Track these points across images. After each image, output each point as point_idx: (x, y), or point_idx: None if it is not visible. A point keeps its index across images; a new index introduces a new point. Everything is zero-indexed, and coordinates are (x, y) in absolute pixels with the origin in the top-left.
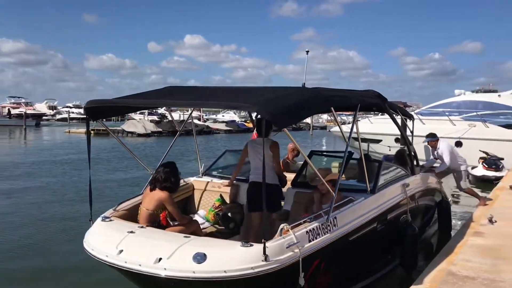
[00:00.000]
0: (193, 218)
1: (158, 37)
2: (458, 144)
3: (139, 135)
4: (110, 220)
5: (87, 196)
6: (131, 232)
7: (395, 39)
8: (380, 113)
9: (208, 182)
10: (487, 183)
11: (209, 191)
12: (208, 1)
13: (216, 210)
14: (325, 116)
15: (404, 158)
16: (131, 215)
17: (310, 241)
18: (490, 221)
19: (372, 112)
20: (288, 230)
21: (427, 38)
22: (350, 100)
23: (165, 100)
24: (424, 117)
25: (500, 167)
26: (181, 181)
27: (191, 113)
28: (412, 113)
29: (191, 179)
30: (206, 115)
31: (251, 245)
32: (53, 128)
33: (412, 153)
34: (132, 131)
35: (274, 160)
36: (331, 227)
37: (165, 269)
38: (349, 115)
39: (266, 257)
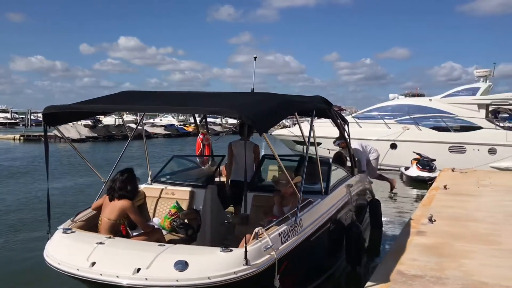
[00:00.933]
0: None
1: (91, 39)
2: (393, 146)
3: (73, 140)
4: (72, 232)
5: (28, 207)
6: (100, 243)
7: (329, 44)
8: (318, 118)
9: (162, 189)
10: (421, 183)
11: (163, 198)
12: (143, 2)
13: (173, 217)
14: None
15: (342, 159)
16: (90, 226)
17: (282, 243)
18: (430, 220)
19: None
20: (263, 233)
21: (359, 43)
22: (308, 105)
23: (137, 105)
24: (361, 121)
25: (433, 168)
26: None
27: (141, 118)
28: (349, 116)
29: (141, 187)
30: (145, 119)
31: (231, 250)
32: None
33: (352, 155)
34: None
35: (255, 161)
36: (298, 229)
37: (146, 279)
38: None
39: (247, 261)
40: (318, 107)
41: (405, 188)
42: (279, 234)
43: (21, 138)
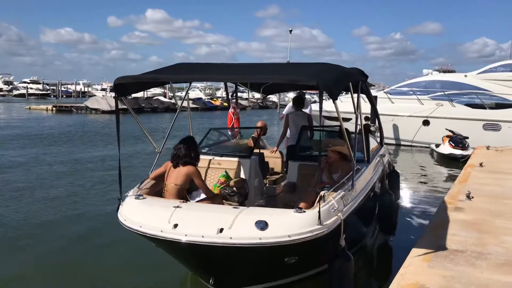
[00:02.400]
0: (201, 194)
1: (118, 11)
2: (426, 123)
3: (104, 112)
4: (144, 198)
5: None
6: (178, 207)
7: (359, 18)
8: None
9: (210, 159)
10: (453, 161)
11: (211, 168)
12: None
13: (222, 186)
14: (290, 94)
15: (370, 131)
16: (155, 193)
17: (344, 206)
18: (468, 197)
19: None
20: (329, 196)
21: (390, 17)
22: (356, 77)
23: (214, 75)
24: (393, 96)
25: (466, 145)
26: None
27: (187, 90)
28: (381, 92)
29: None
30: (170, 92)
31: (304, 211)
32: (11, 104)
33: (374, 129)
34: (96, 108)
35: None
36: (354, 193)
37: (230, 238)
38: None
39: (320, 221)
40: (362, 79)
41: (436, 165)
42: (341, 197)
43: (54, 108)
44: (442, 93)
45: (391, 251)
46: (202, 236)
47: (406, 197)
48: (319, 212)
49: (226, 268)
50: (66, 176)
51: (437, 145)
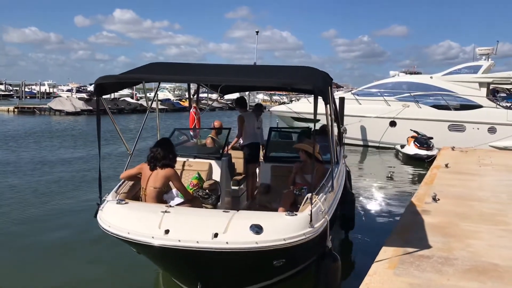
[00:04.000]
0: (174, 197)
1: (86, 11)
2: (393, 124)
3: (68, 113)
4: (126, 203)
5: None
6: (166, 211)
7: (327, 20)
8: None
9: (184, 161)
10: (419, 162)
11: (184, 170)
12: None
13: (195, 188)
14: (260, 96)
15: (327, 132)
16: (133, 196)
17: (328, 207)
18: (434, 199)
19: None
20: (315, 199)
21: (357, 20)
22: (329, 80)
23: (204, 76)
24: (360, 98)
25: (431, 146)
26: None
27: (156, 91)
28: (349, 93)
29: None
30: (139, 93)
31: (296, 215)
32: None
33: (342, 130)
34: (60, 109)
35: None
36: (333, 195)
37: (227, 243)
38: (284, 94)
39: (311, 224)
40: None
41: (402, 166)
42: (325, 199)
43: (15, 110)
44: (409, 94)
45: (357, 256)
46: (197, 242)
47: (373, 199)
48: (310, 215)
49: (216, 273)
50: (34, 180)
51: (402, 146)
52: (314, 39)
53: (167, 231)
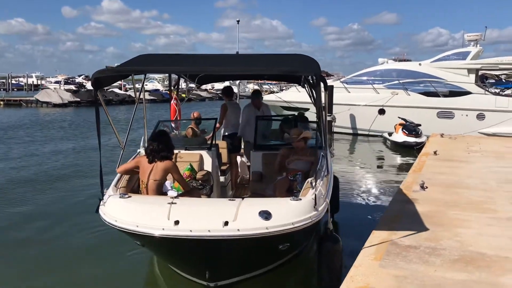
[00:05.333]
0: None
1: (73, 1)
2: (381, 111)
3: (55, 105)
4: (129, 197)
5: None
6: (172, 203)
7: (317, 8)
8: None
9: (176, 153)
10: (408, 149)
11: (176, 162)
12: None
13: (188, 180)
14: (251, 85)
15: (306, 119)
16: (132, 190)
17: (326, 191)
18: (422, 187)
19: None
20: (316, 184)
21: (347, 8)
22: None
23: (205, 66)
24: (349, 86)
25: (419, 133)
26: (140, 154)
27: (143, 83)
28: (338, 81)
29: (143, 152)
30: (128, 84)
31: (300, 199)
32: None
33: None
34: (47, 101)
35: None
36: (328, 178)
37: (238, 230)
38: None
39: (316, 208)
40: None
41: (391, 154)
42: (323, 183)
43: (1, 103)
44: (397, 81)
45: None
46: (209, 231)
47: (361, 187)
48: (315, 198)
49: (224, 260)
50: (27, 175)
51: (390, 134)
52: (304, 28)
53: (177, 222)
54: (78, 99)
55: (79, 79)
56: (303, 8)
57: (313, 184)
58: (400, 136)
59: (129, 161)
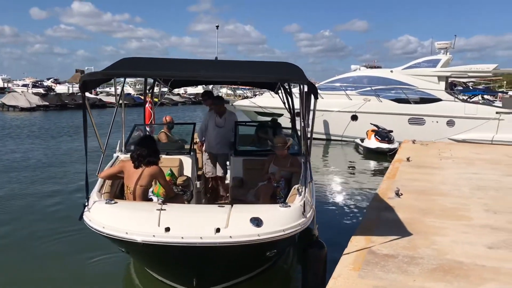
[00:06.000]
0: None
1: (42, 3)
2: (354, 118)
3: (22, 109)
4: (115, 203)
5: None
6: (162, 209)
7: (290, 15)
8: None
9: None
10: (381, 155)
11: None
12: None
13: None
14: (224, 90)
15: (280, 125)
16: (116, 195)
17: (311, 197)
18: (397, 194)
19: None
20: (303, 190)
21: (319, 15)
22: None
23: (196, 72)
24: (322, 92)
25: (392, 139)
26: (119, 159)
27: (122, 87)
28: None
29: (122, 157)
30: (99, 88)
31: (289, 206)
32: None
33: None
34: (13, 105)
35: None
36: (312, 184)
37: (230, 237)
38: (248, 89)
39: (304, 214)
40: None
41: (364, 160)
42: (308, 189)
43: None
44: (370, 88)
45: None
46: (201, 238)
47: (337, 194)
48: (303, 205)
49: (213, 267)
50: None
51: (362, 140)
52: (277, 34)
53: (167, 229)
54: (47, 103)
55: (47, 83)
56: (276, 15)
57: (300, 191)
58: (373, 142)
59: (112, 166)
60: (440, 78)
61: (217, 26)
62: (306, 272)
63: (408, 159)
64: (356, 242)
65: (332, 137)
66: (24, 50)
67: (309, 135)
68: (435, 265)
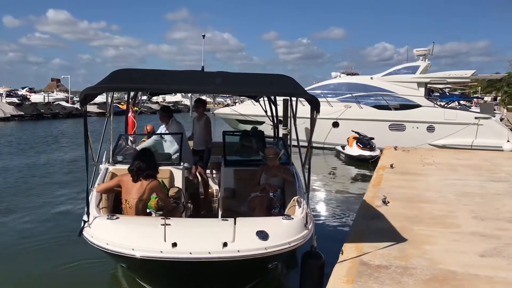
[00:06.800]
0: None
1: (15, 11)
2: (335, 124)
3: None
4: (117, 218)
5: None
6: (166, 224)
7: (267, 23)
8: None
9: None
10: (363, 162)
11: None
12: None
13: (160, 197)
14: (203, 97)
15: (262, 133)
16: (114, 210)
17: (308, 208)
18: (384, 202)
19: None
20: (301, 202)
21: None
22: None
23: (203, 86)
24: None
25: (374, 146)
26: (108, 171)
27: (112, 97)
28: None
29: (111, 168)
30: (76, 97)
31: (292, 218)
32: None
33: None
34: None
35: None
36: (307, 195)
37: (238, 251)
38: (228, 97)
39: (307, 226)
40: None
41: (346, 167)
42: (306, 201)
43: None
44: (350, 95)
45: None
46: (209, 252)
47: (322, 202)
48: (306, 217)
49: (218, 281)
50: None
51: (343, 146)
52: (255, 41)
53: (174, 244)
54: (22, 113)
55: (22, 92)
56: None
57: (300, 202)
58: (355, 150)
59: (105, 179)
60: (419, 84)
61: (204, 36)
62: (304, 282)
63: (391, 166)
64: (347, 252)
65: (314, 144)
66: None
67: (307, 145)
68: (429, 276)
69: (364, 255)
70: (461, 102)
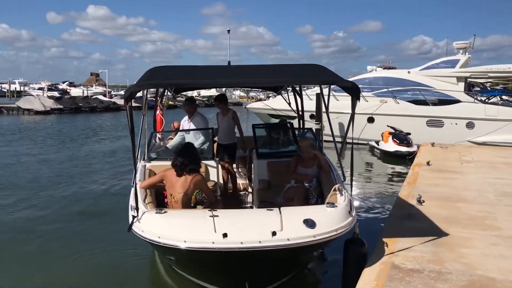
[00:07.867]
0: None
1: (58, 7)
2: (370, 120)
3: (37, 112)
4: (165, 212)
5: None
6: (215, 216)
7: (303, 16)
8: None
9: None
10: (399, 158)
11: None
12: None
13: (197, 191)
14: (237, 92)
15: (292, 125)
16: (159, 204)
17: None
18: (419, 201)
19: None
20: (342, 189)
21: (332, 16)
22: None
23: (241, 79)
24: (338, 94)
25: (410, 142)
26: (145, 168)
27: (146, 92)
28: (326, 89)
29: (148, 165)
30: (114, 91)
31: (336, 206)
32: None
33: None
34: (28, 108)
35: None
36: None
37: (288, 239)
38: (261, 91)
39: (351, 213)
40: None
41: (381, 163)
42: (345, 189)
43: None
44: (386, 89)
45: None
46: (259, 242)
47: (357, 200)
48: (350, 204)
49: (268, 270)
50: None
51: (377, 142)
52: (290, 35)
53: (225, 235)
54: (61, 106)
55: (62, 86)
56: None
57: (341, 190)
58: (391, 145)
59: (154, 176)
60: (459, 78)
61: (229, 31)
62: (347, 268)
63: (428, 163)
64: (378, 254)
65: (348, 140)
66: (41, 54)
67: (344, 136)
68: (465, 282)
69: (396, 258)
70: (504, 97)
